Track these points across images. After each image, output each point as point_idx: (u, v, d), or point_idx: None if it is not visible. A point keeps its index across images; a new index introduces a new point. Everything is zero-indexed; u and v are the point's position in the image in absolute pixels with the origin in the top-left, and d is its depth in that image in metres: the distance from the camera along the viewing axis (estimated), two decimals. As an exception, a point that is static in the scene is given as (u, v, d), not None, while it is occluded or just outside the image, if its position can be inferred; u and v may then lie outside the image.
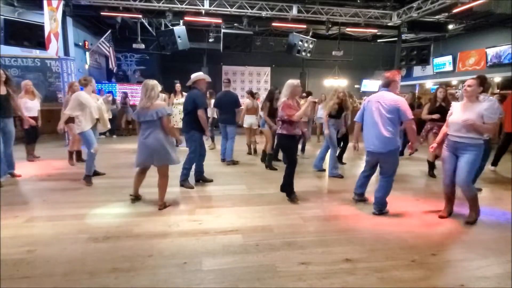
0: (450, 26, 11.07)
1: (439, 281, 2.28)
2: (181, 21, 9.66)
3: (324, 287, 2.17)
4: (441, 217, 3.42)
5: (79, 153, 5.71)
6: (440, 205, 3.60)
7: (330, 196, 4.20)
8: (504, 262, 2.54)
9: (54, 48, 6.89)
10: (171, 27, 9.75)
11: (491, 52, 10.75)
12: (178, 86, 7.43)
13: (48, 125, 6.95)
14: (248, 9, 9.12)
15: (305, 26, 10.41)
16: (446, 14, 9.59)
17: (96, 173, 4.81)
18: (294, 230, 3.09)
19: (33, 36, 7.29)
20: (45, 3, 6.53)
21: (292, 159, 3.87)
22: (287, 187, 3.90)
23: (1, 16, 7.12)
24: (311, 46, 10.41)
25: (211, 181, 4.64)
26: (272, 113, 5.36)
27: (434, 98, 5.13)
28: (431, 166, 5.29)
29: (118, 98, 10.06)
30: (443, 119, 4.77)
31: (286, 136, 3.76)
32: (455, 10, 8.42)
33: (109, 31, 10.95)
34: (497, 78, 10.85)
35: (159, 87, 3.47)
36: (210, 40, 12.63)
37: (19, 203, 3.63)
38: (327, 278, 2.27)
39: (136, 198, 3.74)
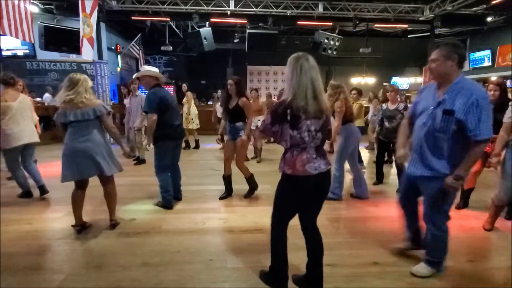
0: (489, 19, 10.36)
1: (476, 289, 2.15)
2: (207, 23, 9.84)
3: (350, 290, 2.12)
4: (489, 230, 3.09)
5: None
6: (477, 210, 3.39)
7: (356, 197, 4.09)
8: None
9: (90, 52, 7.28)
10: (197, 29, 9.97)
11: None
12: (184, 86, 7.60)
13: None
14: (273, 8, 9.11)
15: (331, 24, 10.21)
16: (484, 6, 9.01)
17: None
18: (320, 231, 3.04)
19: (70, 41, 7.75)
20: (80, 9, 6.91)
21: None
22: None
23: (42, 24, 7.63)
24: (337, 43, 10.19)
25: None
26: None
27: None
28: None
29: None
30: None
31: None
32: (494, 2, 7.90)
33: (139, 35, 11.39)
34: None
35: (89, 82, 2.86)
36: (236, 40, 12.75)
37: (58, 199, 3.87)
38: (354, 281, 2.22)
39: (82, 226, 2.98)
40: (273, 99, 8.79)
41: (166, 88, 5.42)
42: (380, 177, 4.72)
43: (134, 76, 3.80)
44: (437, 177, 2.07)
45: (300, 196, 1.94)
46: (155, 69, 3.66)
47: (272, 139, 2.03)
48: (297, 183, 1.88)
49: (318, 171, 1.85)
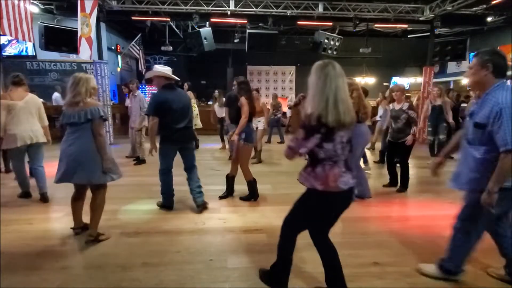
0: (489, 19, 10.36)
1: (476, 289, 2.15)
2: (207, 23, 9.83)
3: (351, 290, 2.12)
4: None
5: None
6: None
7: (357, 197, 4.08)
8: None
9: (87, 52, 7.26)
10: (197, 29, 9.95)
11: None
12: (186, 85, 7.58)
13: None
14: (273, 9, 9.10)
15: (331, 24, 10.21)
16: (484, 6, 9.00)
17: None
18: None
19: (70, 41, 7.73)
20: (79, 9, 6.91)
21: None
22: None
23: (42, 24, 7.63)
24: (337, 44, 10.18)
25: None
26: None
27: None
28: None
29: (148, 99, 10.42)
30: None
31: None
32: (494, 2, 7.90)
33: (139, 35, 11.38)
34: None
35: (91, 83, 2.70)
36: (236, 40, 12.75)
37: (58, 199, 3.86)
38: (355, 281, 2.21)
39: (82, 228, 2.91)
40: (278, 100, 8.83)
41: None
42: (394, 179, 4.50)
43: (146, 77, 3.76)
44: (472, 190, 2.02)
45: (328, 212, 1.85)
46: (164, 69, 3.49)
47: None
48: (328, 199, 1.77)
49: (347, 186, 1.75)
